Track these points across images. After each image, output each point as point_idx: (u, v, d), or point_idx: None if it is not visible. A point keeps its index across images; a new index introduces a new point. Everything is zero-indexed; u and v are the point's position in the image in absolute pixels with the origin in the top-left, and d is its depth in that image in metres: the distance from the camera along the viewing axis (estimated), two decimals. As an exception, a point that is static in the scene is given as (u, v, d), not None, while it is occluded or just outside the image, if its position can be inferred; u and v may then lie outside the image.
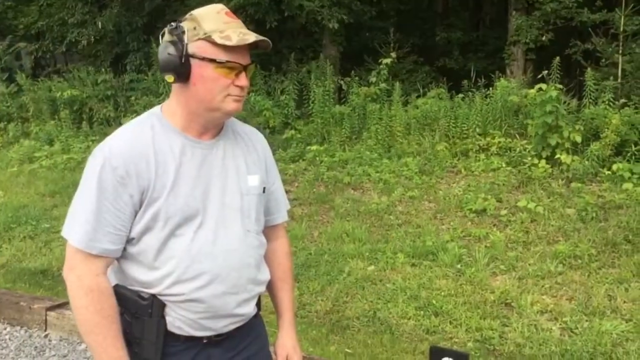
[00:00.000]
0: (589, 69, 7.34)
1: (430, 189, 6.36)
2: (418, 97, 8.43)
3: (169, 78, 1.57)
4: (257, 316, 1.80)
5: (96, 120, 10.10)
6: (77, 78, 11.04)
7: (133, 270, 1.62)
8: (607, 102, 6.70)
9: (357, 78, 9.12)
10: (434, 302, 4.42)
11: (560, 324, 4.09)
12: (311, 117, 8.51)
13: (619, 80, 7.59)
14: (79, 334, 1.64)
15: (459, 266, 4.93)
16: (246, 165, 1.70)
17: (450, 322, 4.20)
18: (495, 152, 6.82)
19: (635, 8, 8.11)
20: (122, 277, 1.64)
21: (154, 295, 1.59)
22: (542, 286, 4.54)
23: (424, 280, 4.76)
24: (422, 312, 4.33)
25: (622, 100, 6.87)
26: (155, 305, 1.59)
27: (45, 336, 4.27)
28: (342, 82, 9.36)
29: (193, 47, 1.54)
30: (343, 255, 5.27)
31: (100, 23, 11.52)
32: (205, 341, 1.65)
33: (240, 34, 1.54)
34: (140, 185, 1.56)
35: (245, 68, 1.58)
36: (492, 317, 4.21)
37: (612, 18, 8.33)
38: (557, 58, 7.19)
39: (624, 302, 4.28)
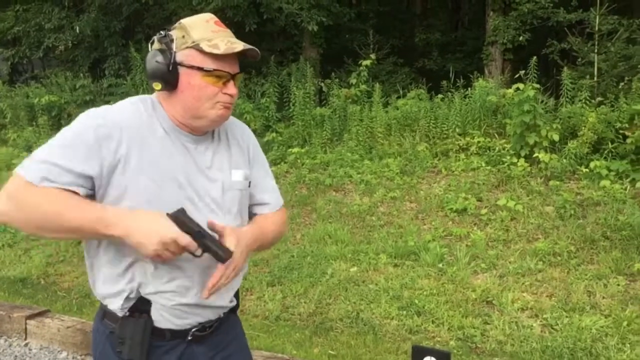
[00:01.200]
0: (565, 68, 7.43)
1: (412, 190, 6.40)
2: (398, 98, 8.47)
3: (156, 85, 1.58)
4: (236, 315, 1.82)
5: (75, 125, 10.00)
6: (55, 83, 10.95)
7: (112, 272, 1.59)
8: (583, 101, 6.80)
9: (337, 80, 9.14)
10: (416, 301, 4.44)
11: (540, 321, 4.14)
12: (292, 119, 8.52)
13: (595, 79, 7.69)
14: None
15: (440, 265, 4.96)
16: (229, 160, 1.70)
17: (433, 321, 4.23)
18: (475, 152, 6.88)
19: (609, 7, 8.24)
20: (106, 283, 1.62)
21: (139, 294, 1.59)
22: (523, 283, 4.59)
23: (407, 280, 4.78)
24: (404, 312, 4.35)
25: (599, 99, 6.97)
26: (140, 303, 1.58)
27: (25, 345, 4.22)
28: (322, 84, 9.38)
29: (181, 55, 1.55)
30: (326, 257, 5.28)
31: (77, 28, 11.42)
32: (190, 338, 1.64)
33: (228, 42, 1.54)
34: (118, 152, 1.53)
35: (233, 77, 1.59)
36: (474, 315, 4.25)
37: (588, 17, 8.45)
38: (534, 58, 7.28)
39: (603, 297, 4.34)
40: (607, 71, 7.83)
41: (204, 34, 1.54)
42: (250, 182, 1.75)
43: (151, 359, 1.58)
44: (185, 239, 1.47)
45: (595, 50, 7.93)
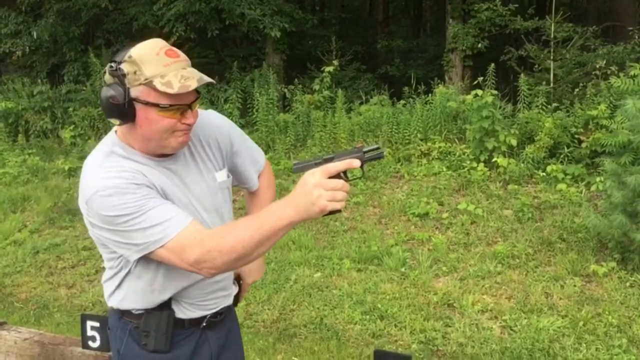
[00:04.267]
0: (522, 74, 7.61)
1: (375, 195, 6.45)
2: (361, 104, 8.54)
3: (115, 122, 1.59)
4: (232, 307, 1.95)
5: (33, 132, 9.80)
6: (12, 90, 10.69)
7: (138, 287, 1.69)
8: (540, 107, 6.96)
9: (300, 86, 9.17)
10: (379, 306, 4.48)
11: (500, 323, 4.22)
12: (255, 125, 8.50)
13: (551, 85, 7.88)
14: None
15: (403, 270, 5.02)
16: (210, 164, 1.76)
17: (395, 325, 4.27)
18: (436, 157, 6.98)
19: (565, 15, 8.47)
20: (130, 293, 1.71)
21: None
22: (483, 286, 4.68)
23: (370, 285, 4.82)
24: (367, 317, 4.38)
25: (554, 104, 7.15)
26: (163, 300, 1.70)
27: (-19, 359, 4.10)
28: (285, 90, 9.39)
29: (135, 92, 1.54)
30: (289, 263, 5.29)
31: (35, 33, 11.19)
32: (204, 324, 1.78)
33: (182, 78, 1.52)
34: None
35: (190, 106, 1.59)
36: (435, 318, 4.31)
37: (544, 25, 8.67)
38: (493, 64, 7.43)
39: (560, 298, 4.46)
40: (562, 77, 8.05)
41: (156, 70, 1.52)
42: (230, 175, 1.84)
43: (172, 347, 1.71)
44: (331, 167, 1.44)
45: (551, 57, 8.14)
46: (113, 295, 1.74)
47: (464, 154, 6.81)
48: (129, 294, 1.70)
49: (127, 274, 1.68)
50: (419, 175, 6.70)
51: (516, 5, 9.93)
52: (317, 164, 1.45)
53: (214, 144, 1.78)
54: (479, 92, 6.72)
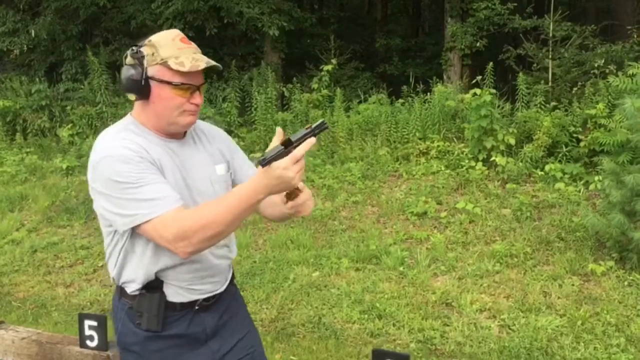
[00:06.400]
0: (521, 73, 7.61)
1: (373, 194, 6.45)
2: (359, 102, 8.54)
3: (131, 97, 1.80)
4: (233, 284, 2.10)
5: (30, 131, 9.77)
6: (10, 88, 10.66)
7: (134, 262, 1.81)
8: (538, 105, 6.97)
9: (299, 85, 9.17)
10: (377, 305, 4.48)
11: (498, 322, 4.22)
12: (254, 124, 8.50)
13: (550, 84, 7.89)
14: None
15: (401, 269, 5.02)
16: (212, 157, 1.95)
17: (394, 324, 4.27)
18: (435, 156, 6.98)
19: (563, 14, 8.48)
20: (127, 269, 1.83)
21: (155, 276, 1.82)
22: (481, 285, 4.67)
23: (368, 284, 4.82)
24: (366, 316, 4.38)
25: (553, 103, 7.15)
26: (154, 282, 1.82)
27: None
28: (284, 88, 9.38)
29: (152, 71, 1.75)
30: (288, 262, 5.29)
31: (33, 31, 11.17)
32: (197, 307, 1.89)
33: (193, 59, 1.74)
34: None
35: (198, 88, 1.80)
36: (434, 317, 4.31)
37: (542, 24, 8.67)
38: (491, 63, 7.43)
39: (558, 297, 4.45)
40: (561, 76, 8.05)
41: (171, 52, 1.74)
42: (232, 172, 2.01)
43: (165, 327, 1.84)
44: (299, 153, 1.57)
45: (550, 56, 8.15)
46: (114, 269, 1.87)
47: (462, 153, 6.81)
48: (125, 268, 1.84)
49: (121, 248, 1.81)
50: (417, 174, 6.70)
51: (515, 4, 9.95)
52: (281, 154, 1.58)
53: (218, 141, 2.01)
54: (478, 91, 6.72)
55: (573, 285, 4.56)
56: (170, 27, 9.81)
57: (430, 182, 6.47)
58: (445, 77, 10.55)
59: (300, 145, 1.59)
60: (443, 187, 6.30)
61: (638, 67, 5.80)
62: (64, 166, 7.93)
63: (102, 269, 5.57)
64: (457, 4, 10.79)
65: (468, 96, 7.01)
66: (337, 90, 8.43)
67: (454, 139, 7.22)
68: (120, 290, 1.88)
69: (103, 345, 2.88)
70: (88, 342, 2.85)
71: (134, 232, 1.74)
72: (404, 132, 7.41)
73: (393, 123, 7.53)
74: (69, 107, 9.66)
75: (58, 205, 7.04)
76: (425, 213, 5.87)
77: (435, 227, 5.70)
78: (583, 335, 3.97)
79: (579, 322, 4.09)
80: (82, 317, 2.76)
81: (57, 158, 8.41)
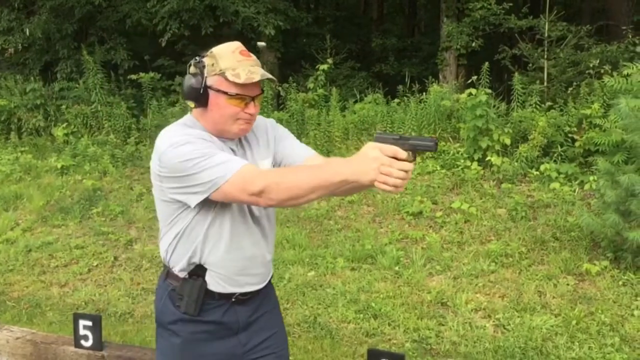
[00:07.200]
0: (516, 73, 7.62)
1: (369, 193, 6.45)
2: (355, 102, 8.54)
3: (190, 104, 1.92)
4: (270, 283, 2.17)
5: (25, 130, 9.73)
6: (5, 87, 10.60)
7: (185, 246, 1.93)
8: (534, 105, 6.98)
9: (295, 84, 9.14)
10: (373, 304, 4.48)
11: (493, 321, 4.23)
12: (249, 123, 8.47)
13: (545, 84, 7.91)
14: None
15: (397, 268, 5.02)
16: (258, 152, 2.04)
17: (389, 324, 4.27)
18: (430, 156, 6.99)
19: (559, 14, 8.50)
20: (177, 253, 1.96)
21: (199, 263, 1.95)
22: (476, 285, 4.68)
23: (364, 284, 4.82)
24: (361, 315, 4.38)
25: (548, 103, 7.17)
26: (198, 269, 1.94)
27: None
28: (280, 88, 9.37)
29: (211, 80, 1.87)
30: (283, 262, 5.28)
31: (28, 30, 11.11)
32: (233, 299, 1.99)
33: (249, 72, 1.85)
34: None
35: (254, 98, 1.90)
36: (429, 317, 4.31)
37: (538, 24, 8.69)
38: (487, 63, 7.44)
39: (553, 297, 4.47)
40: (556, 76, 8.07)
41: (229, 64, 1.86)
42: (281, 160, 2.08)
43: (201, 313, 1.96)
44: (389, 149, 1.62)
45: (545, 56, 8.17)
46: (165, 251, 1.99)
47: (457, 152, 6.82)
48: (175, 251, 1.96)
49: (177, 233, 1.93)
50: (412, 173, 6.69)
51: (510, 4, 9.95)
52: (394, 140, 1.65)
53: (263, 137, 2.08)
54: (473, 90, 6.72)
55: (568, 284, 4.58)
56: (165, 26, 9.81)
57: (425, 182, 6.48)
58: (441, 76, 10.56)
59: (393, 148, 1.61)
60: (438, 186, 6.31)
61: (633, 67, 5.82)
62: (59, 165, 7.90)
63: (97, 269, 5.56)
64: (453, 3, 10.80)
65: (464, 96, 7.01)
66: (333, 90, 8.42)
67: (450, 138, 7.23)
68: (167, 272, 2.01)
69: (98, 345, 2.88)
70: (83, 342, 2.85)
71: (199, 213, 1.86)
72: (400, 131, 7.40)
73: (389, 122, 7.54)
74: (63, 106, 9.62)
75: (53, 205, 7.02)
76: (420, 213, 5.88)
77: (430, 227, 5.71)
78: (578, 335, 3.99)
79: (574, 322, 4.10)
80: (76, 317, 2.76)
81: (52, 157, 8.39)
